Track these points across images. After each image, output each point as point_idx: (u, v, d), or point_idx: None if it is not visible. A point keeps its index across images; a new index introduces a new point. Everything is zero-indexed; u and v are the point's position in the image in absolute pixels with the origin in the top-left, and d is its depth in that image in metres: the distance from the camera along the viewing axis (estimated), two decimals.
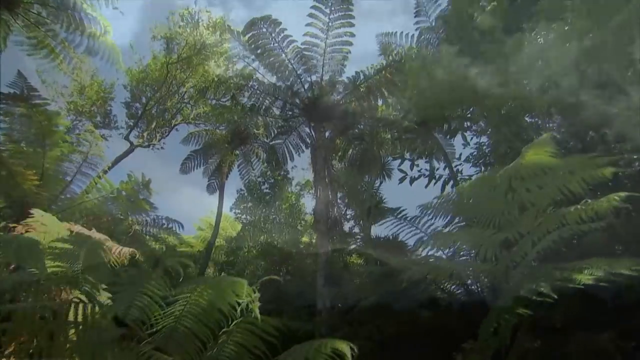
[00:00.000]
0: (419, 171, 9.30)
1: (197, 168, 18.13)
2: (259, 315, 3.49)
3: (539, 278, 3.37)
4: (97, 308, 3.81)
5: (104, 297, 4.16)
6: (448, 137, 10.04)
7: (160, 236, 11.95)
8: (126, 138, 13.14)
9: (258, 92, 12.82)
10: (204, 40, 12.44)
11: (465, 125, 8.68)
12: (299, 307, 10.98)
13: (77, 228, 6.34)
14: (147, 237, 11.51)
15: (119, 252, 6.35)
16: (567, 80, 5.81)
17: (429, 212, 4.86)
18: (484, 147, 8.42)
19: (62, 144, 6.88)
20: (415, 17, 14.08)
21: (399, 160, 11.12)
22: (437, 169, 9.10)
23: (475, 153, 8.28)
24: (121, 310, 3.39)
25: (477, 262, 4.07)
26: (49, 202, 7.03)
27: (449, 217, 4.66)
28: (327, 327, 8.00)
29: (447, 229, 4.70)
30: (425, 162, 9.74)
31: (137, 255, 6.45)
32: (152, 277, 3.80)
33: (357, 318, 7.22)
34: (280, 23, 10.76)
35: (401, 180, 10.50)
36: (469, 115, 8.28)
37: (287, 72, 11.89)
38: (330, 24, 10.98)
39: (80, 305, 3.74)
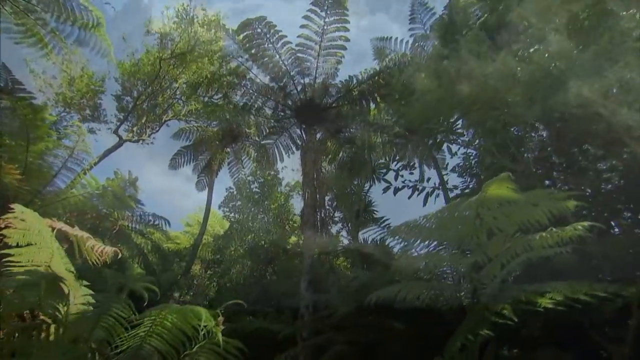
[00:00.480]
0: (403, 182, 9.40)
1: (187, 164, 18.07)
2: (221, 339, 3.62)
3: (504, 300, 3.48)
4: (60, 329, 3.87)
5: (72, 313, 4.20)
6: (433, 150, 10.15)
7: (146, 233, 11.87)
8: (115, 132, 12.97)
9: (251, 91, 12.79)
10: (198, 37, 12.33)
11: (451, 138, 8.79)
12: (283, 309, 11.01)
13: (59, 225, 6.25)
14: (133, 233, 11.44)
15: (101, 251, 6.30)
16: (551, 96, 5.93)
17: (397, 237, 4.94)
18: (471, 158, 8.54)
19: (47, 139, 6.78)
20: (409, 23, 14.21)
21: (386, 170, 11.19)
22: (429, 179, 9.21)
23: (462, 164, 8.40)
24: (86, 330, 3.49)
25: (447, 283, 4.18)
26: (31, 197, 6.92)
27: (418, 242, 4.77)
28: (308, 330, 8.04)
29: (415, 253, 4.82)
30: (410, 173, 9.85)
31: (120, 255, 6.41)
32: (117, 300, 3.94)
33: (339, 323, 7.28)
34: (275, 25, 10.75)
35: (385, 190, 10.63)
36: (456, 129, 8.39)
37: (280, 73, 11.88)
38: (325, 27, 11.00)
39: (44, 326, 3.79)
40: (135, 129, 13.35)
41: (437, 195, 8.75)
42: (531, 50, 5.83)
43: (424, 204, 8.70)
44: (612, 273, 4.42)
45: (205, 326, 3.54)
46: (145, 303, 4.77)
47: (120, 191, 8.12)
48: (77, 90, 12.03)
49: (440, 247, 4.67)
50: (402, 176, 9.88)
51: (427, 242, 4.64)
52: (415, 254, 4.78)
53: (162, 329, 3.75)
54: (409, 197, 8.79)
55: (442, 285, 4.17)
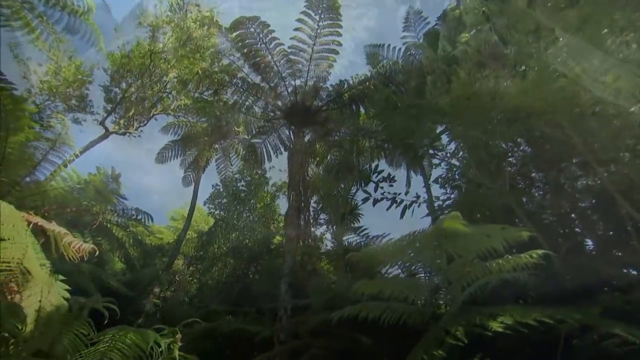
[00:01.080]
0: (382, 194, 9.53)
1: (174, 159, 17.91)
2: (177, 355, 3.89)
3: (459, 322, 3.62)
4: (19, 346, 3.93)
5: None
6: (411, 165, 10.30)
7: (129, 227, 11.75)
8: (102, 123, 12.76)
9: (241, 90, 12.74)
10: (191, 33, 12.22)
11: (432, 153, 8.94)
12: (264, 310, 11.03)
13: (36, 219, 6.18)
14: (115, 227, 11.31)
15: (78, 247, 6.25)
16: (532, 116, 6.10)
17: (365, 259, 5.03)
18: (454, 170, 8.68)
19: (27, 130, 6.65)
20: (403, 31, 14.35)
21: (367, 181, 11.35)
22: (406, 193, 9.28)
23: (445, 175, 8.54)
24: (46, 345, 3.57)
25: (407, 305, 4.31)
26: (8, 188, 6.80)
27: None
28: (286, 334, 8.09)
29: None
30: (390, 185, 9.95)
31: (97, 252, 6.36)
32: (78, 318, 3.97)
33: (315, 328, 7.34)
34: (269, 25, 10.73)
35: (364, 200, 10.79)
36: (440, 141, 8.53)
37: (272, 74, 11.87)
38: (318, 31, 11.03)
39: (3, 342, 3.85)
40: (122, 121, 13.16)
41: (419, 205, 8.88)
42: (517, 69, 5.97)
43: (401, 217, 8.83)
44: (574, 292, 4.60)
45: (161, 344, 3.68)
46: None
47: (102, 186, 8.05)
48: (64, 79, 11.77)
49: (402, 271, 4.81)
50: (382, 187, 10.00)
51: (389, 265, 4.75)
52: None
53: (123, 344, 3.85)
54: (387, 209, 8.91)
55: (403, 307, 4.28)
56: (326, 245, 14.02)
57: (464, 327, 3.53)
